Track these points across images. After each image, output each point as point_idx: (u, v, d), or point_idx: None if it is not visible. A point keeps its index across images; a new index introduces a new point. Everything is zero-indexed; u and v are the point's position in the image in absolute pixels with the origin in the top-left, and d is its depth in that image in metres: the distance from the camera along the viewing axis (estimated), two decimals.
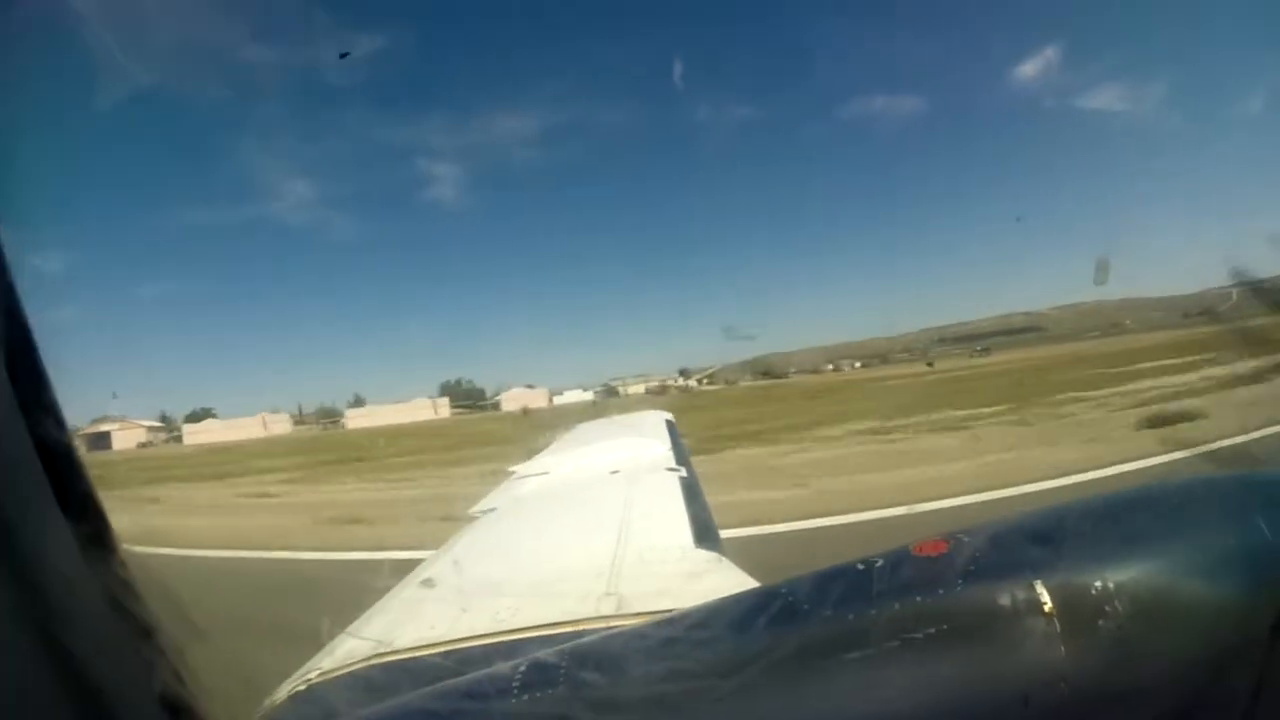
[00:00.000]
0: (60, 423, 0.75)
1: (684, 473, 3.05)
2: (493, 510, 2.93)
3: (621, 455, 3.50)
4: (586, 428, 5.09)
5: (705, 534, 2.13)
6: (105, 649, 0.72)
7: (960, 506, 7.60)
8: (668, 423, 4.52)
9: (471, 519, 2.86)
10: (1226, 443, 8.97)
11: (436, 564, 2.18)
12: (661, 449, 3.60)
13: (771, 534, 7.39)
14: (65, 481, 0.73)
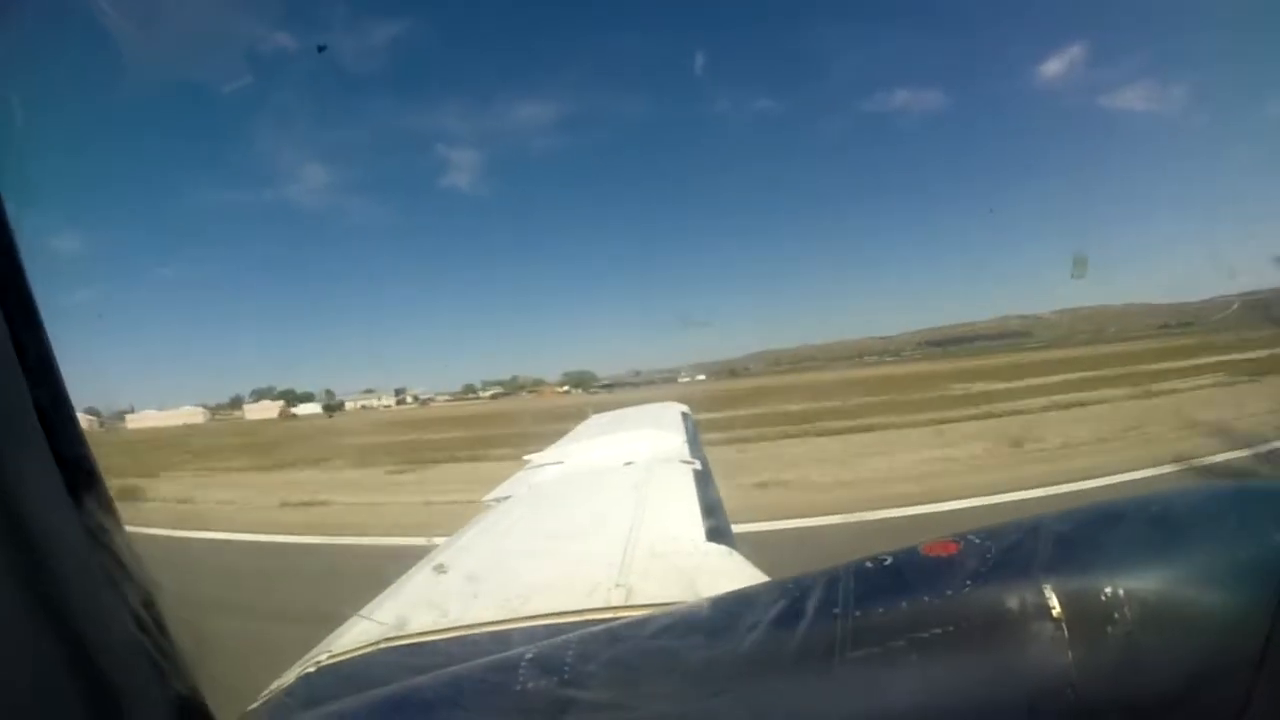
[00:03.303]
0: (70, 414, 0.76)
1: (698, 465, 3.04)
2: (507, 498, 2.95)
3: (636, 446, 3.49)
4: (602, 418, 5.09)
5: (717, 527, 2.12)
6: (114, 639, 0.74)
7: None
8: (683, 414, 4.51)
9: (486, 506, 2.89)
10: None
11: (449, 550, 2.20)
12: (676, 441, 3.59)
13: None
14: (73, 471, 0.75)
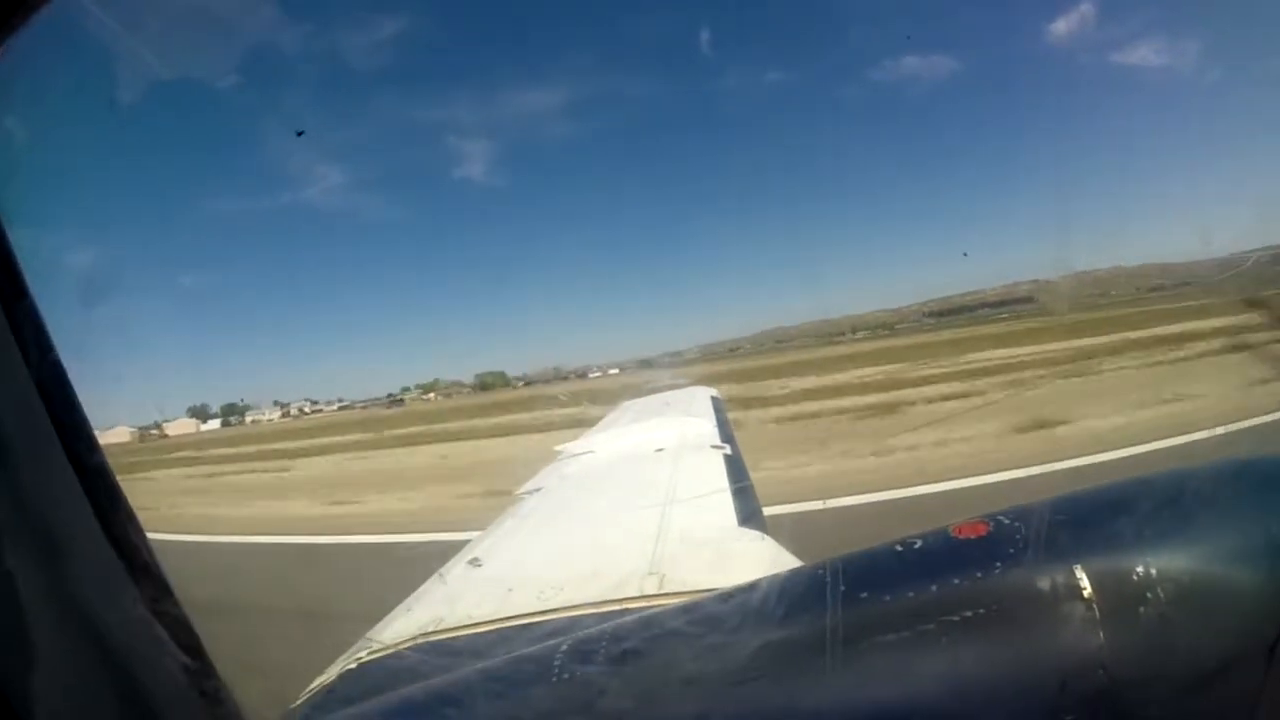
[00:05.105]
0: (86, 427, 0.79)
1: (728, 450, 3.03)
2: (539, 490, 2.99)
3: (667, 433, 3.50)
4: (633, 404, 5.11)
5: (748, 512, 2.12)
6: (143, 643, 0.77)
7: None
8: (713, 399, 4.49)
9: (518, 498, 2.93)
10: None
11: (484, 543, 2.24)
12: (706, 426, 3.58)
13: None
14: (91, 479, 0.77)
